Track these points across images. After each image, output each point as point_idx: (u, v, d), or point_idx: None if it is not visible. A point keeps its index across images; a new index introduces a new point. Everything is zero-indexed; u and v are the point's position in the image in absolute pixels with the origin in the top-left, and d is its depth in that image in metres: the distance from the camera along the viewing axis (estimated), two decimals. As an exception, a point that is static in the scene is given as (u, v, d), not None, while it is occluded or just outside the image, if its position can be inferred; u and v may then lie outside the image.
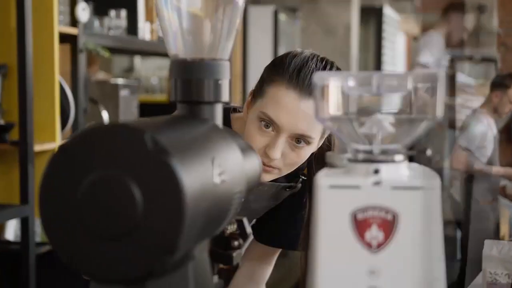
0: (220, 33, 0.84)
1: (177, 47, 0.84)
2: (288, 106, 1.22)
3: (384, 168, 0.70)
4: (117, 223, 0.62)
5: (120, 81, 3.21)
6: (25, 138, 2.33)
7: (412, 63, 9.92)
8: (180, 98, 0.82)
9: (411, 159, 0.80)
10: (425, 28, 9.94)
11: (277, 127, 1.24)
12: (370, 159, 0.71)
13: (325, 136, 1.33)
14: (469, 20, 4.48)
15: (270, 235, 1.50)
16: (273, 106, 1.24)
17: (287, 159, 1.27)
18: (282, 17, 4.98)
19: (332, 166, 0.79)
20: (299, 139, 1.25)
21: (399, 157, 0.72)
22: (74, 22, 2.66)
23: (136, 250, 0.62)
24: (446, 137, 4.66)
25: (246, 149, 0.88)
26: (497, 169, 4.28)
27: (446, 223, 4.14)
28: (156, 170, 0.62)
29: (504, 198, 4.46)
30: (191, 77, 0.82)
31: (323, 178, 0.70)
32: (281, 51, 5.66)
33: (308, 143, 1.26)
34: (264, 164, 1.25)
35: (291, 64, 1.25)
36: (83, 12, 2.65)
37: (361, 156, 0.72)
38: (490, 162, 4.26)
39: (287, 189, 1.43)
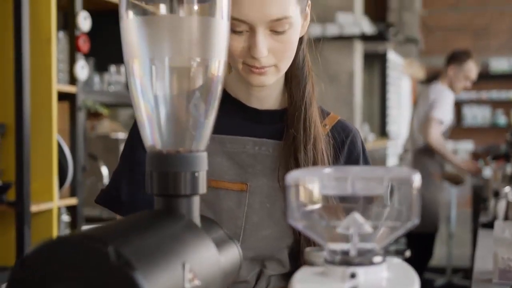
0: (196, 124, 0.82)
1: (154, 138, 0.82)
2: None
3: (362, 272, 0.68)
4: None
5: (121, 135, 3.20)
6: (21, 199, 2.31)
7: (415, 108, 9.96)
8: (156, 192, 0.80)
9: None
10: (430, 71, 9.99)
11: (249, 25, 1.11)
12: (347, 261, 0.69)
13: (307, 10, 1.22)
14: (473, 68, 4.43)
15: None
16: (234, 5, 1.10)
17: (276, 52, 1.14)
18: (285, 66, 5.00)
19: (310, 263, 0.77)
20: (277, 29, 1.12)
21: (377, 259, 0.69)
22: (73, 79, 2.67)
23: None
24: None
25: (224, 241, 0.85)
26: (460, 161, 4.35)
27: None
28: (119, 285, 0.59)
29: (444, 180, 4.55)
30: (167, 170, 0.80)
31: (298, 283, 0.68)
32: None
33: (289, 25, 1.13)
34: (256, 67, 1.14)
35: None
36: (82, 70, 2.66)
37: (337, 258, 0.69)
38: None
39: None
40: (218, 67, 0.82)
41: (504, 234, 1.98)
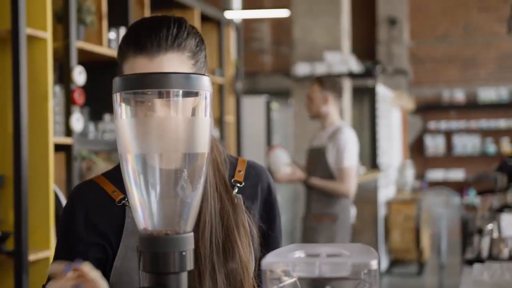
0: (181, 209, 0.93)
1: (145, 222, 0.93)
2: (142, 70, 1.20)
3: None
4: None
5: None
6: (20, 249, 2.40)
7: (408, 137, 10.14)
8: (148, 269, 0.91)
9: None
10: (419, 102, 10.15)
11: None
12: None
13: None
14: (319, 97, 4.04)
15: None
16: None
17: None
18: (275, 105, 5.12)
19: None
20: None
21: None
22: (69, 131, 2.78)
23: None
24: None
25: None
26: (316, 180, 3.88)
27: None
28: None
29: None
30: (158, 250, 0.90)
31: None
32: (275, 139, 5.79)
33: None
34: None
35: (130, 32, 1.24)
36: (78, 122, 2.77)
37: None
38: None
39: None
40: (203, 157, 0.93)
41: (483, 277, 2.07)
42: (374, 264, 0.78)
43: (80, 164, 2.86)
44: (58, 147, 2.74)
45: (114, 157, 4.37)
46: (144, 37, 1.21)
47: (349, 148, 3.89)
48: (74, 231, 1.28)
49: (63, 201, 2.69)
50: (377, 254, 0.82)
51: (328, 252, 0.84)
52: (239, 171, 1.35)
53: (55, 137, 2.67)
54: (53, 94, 2.69)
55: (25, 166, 2.47)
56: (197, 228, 1.24)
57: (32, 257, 2.49)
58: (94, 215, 1.27)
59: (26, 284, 2.42)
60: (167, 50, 1.21)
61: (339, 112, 4.09)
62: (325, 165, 3.90)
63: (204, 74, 1.19)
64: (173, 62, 1.21)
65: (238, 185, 1.32)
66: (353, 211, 4.06)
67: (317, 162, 3.96)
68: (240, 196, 1.31)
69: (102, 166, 3.99)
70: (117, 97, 0.91)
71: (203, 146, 0.92)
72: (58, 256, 1.29)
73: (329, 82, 4.07)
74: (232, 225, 1.27)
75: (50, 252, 2.59)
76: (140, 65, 1.20)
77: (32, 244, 2.54)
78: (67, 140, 2.76)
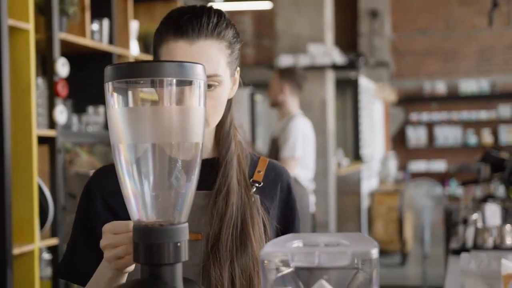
0: (175, 200, 0.91)
1: (139, 213, 0.91)
2: (182, 54, 1.20)
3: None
4: None
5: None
6: (4, 243, 2.37)
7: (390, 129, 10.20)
8: (142, 261, 0.89)
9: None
10: (401, 94, 10.20)
11: None
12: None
13: (236, 75, 1.30)
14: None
15: None
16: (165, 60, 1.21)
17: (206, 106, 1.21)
18: (258, 98, 5.11)
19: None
20: (208, 84, 1.19)
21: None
22: (52, 123, 2.75)
23: None
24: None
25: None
26: None
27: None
28: None
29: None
30: (152, 241, 0.89)
31: None
32: (259, 131, 5.79)
33: (219, 83, 1.22)
34: None
35: (171, 17, 1.25)
36: (61, 114, 2.74)
37: (306, 323, 0.78)
38: None
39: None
40: (197, 147, 0.92)
41: (470, 266, 2.07)
42: (374, 253, 0.77)
43: (64, 157, 2.83)
44: (42, 140, 2.71)
45: (97, 150, 4.32)
46: (186, 22, 1.21)
47: (292, 138, 3.83)
48: (93, 210, 1.27)
49: (47, 194, 2.66)
50: (377, 243, 0.81)
51: (326, 242, 0.83)
52: (259, 171, 1.34)
53: (38, 130, 2.63)
54: (36, 86, 2.65)
55: (8, 159, 2.43)
56: (223, 220, 1.24)
57: (16, 251, 2.46)
58: (109, 197, 1.26)
59: (11, 278, 2.39)
60: (207, 37, 1.21)
61: (297, 103, 4.05)
62: (277, 154, 3.87)
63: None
64: (213, 49, 1.21)
65: (257, 185, 1.32)
66: (312, 200, 4.01)
67: (273, 151, 3.95)
68: (257, 196, 1.30)
69: (85, 158, 3.94)
70: (109, 86, 0.89)
71: (197, 135, 0.91)
72: (77, 238, 1.28)
73: (287, 73, 4.06)
74: (248, 219, 1.26)
75: (35, 246, 2.56)
76: (180, 49, 1.20)
77: (16, 238, 2.51)
78: (50, 133, 2.73)
